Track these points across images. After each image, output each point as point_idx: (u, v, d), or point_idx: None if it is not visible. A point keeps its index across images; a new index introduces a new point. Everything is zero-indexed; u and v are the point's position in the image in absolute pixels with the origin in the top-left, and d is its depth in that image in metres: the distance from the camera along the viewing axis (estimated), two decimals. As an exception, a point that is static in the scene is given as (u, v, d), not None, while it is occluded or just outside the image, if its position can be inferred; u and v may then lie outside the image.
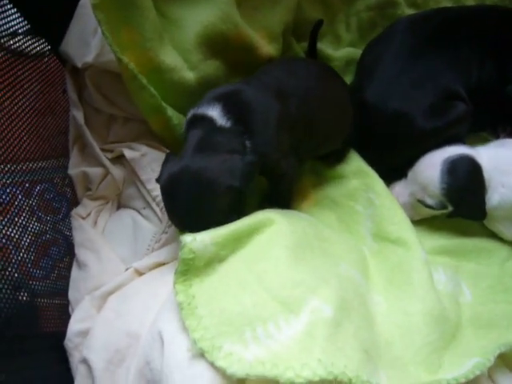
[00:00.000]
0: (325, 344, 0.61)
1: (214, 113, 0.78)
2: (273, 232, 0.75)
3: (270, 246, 0.73)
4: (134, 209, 1.01)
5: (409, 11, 1.21)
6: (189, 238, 0.66)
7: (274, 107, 0.82)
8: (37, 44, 0.98)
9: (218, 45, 0.97)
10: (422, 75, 0.97)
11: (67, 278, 0.94)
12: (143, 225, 0.97)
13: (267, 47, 1.04)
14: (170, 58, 0.90)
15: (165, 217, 0.94)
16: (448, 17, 1.06)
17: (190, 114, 0.82)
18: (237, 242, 0.72)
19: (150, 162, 0.99)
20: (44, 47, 1.01)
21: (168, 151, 0.99)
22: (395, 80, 0.98)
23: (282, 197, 0.96)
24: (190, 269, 0.66)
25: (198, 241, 0.67)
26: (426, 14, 1.11)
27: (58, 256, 0.95)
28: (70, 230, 0.99)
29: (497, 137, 1.10)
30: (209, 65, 0.97)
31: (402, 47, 1.01)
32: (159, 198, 0.95)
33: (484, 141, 1.08)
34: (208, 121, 0.78)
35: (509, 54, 1.01)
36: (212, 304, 0.64)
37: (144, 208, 0.99)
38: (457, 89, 0.99)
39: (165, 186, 0.75)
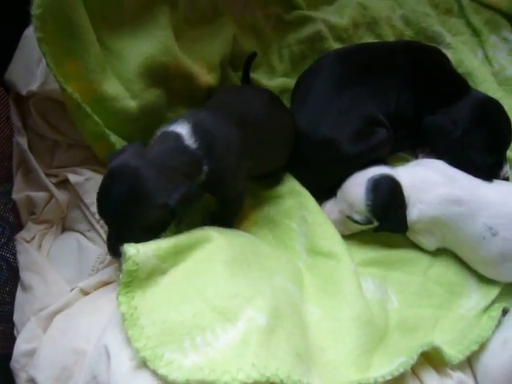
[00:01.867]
0: (258, 349, 0.66)
1: (183, 131, 0.83)
2: (211, 248, 0.80)
3: (209, 261, 0.78)
4: (78, 231, 1.02)
5: (335, 45, 1.31)
6: (133, 251, 0.69)
7: (235, 135, 0.88)
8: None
9: (159, 75, 1.01)
10: (347, 104, 1.06)
11: (10, 303, 0.93)
12: (88, 247, 0.98)
13: (206, 77, 1.10)
14: (112, 87, 0.93)
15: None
16: (370, 52, 1.17)
17: (159, 132, 0.86)
18: (177, 256, 0.76)
19: (93, 185, 1.00)
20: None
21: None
22: (324, 109, 1.07)
23: (230, 214, 1.02)
24: (133, 280, 0.69)
25: (141, 253, 0.70)
26: (351, 48, 1.22)
27: (1, 281, 0.94)
28: (13, 255, 0.99)
29: (416, 157, 1.21)
30: (150, 93, 1.01)
31: (330, 79, 1.10)
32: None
33: (404, 161, 1.19)
34: (176, 137, 0.82)
35: (423, 85, 1.12)
36: (154, 315, 0.67)
37: (88, 230, 1.01)
38: (378, 116, 1.09)
39: (112, 168, 0.77)
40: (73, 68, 0.88)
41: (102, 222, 0.98)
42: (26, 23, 1.01)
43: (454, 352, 0.92)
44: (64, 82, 0.86)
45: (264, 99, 1.05)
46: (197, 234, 0.81)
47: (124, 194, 0.74)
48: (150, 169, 0.76)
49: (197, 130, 0.83)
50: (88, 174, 1.03)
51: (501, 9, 1.40)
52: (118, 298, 0.69)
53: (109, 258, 0.94)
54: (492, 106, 1.12)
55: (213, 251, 0.79)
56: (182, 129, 0.83)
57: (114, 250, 0.79)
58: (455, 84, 1.17)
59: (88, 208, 1.00)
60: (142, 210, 0.75)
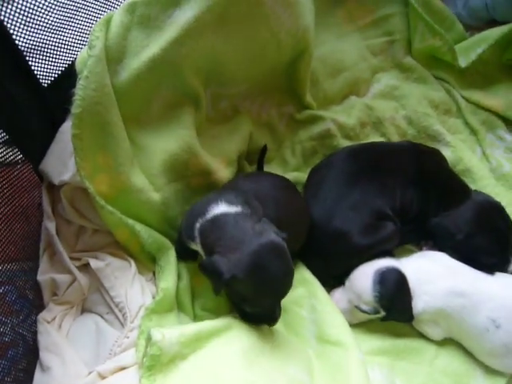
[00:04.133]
0: None
1: (237, 208, 0.91)
2: (230, 336, 0.84)
3: (227, 349, 0.81)
4: (97, 313, 1.05)
5: (343, 142, 1.40)
6: (158, 336, 0.74)
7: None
8: (9, 152, 1.01)
9: (180, 171, 1.10)
10: (358, 200, 1.13)
11: (23, 381, 0.94)
12: (106, 329, 1.01)
13: (224, 171, 1.18)
14: (139, 180, 1.01)
15: (127, 322, 1.00)
16: (377, 151, 1.26)
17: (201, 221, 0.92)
18: (198, 343, 0.80)
19: (113, 270, 1.06)
20: (16, 156, 1.04)
21: (130, 259, 1.09)
22: (336, 202, 1.14)
23: None
24: (155, 364, 0.73)
25: (166, 339, 0.74)
26: (360, 147, 1.30)
27: (16, 358, 0.94)
28: (30, 332, 1.00)
29: (420, 249, 1.25)
30: (171, 187, 1.09)
31: (342, 175, 1.18)
32: (121, 304, 1.02)
33: (409, 252, 1.24)
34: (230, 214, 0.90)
35: (425, 186, 1.19)
36: (174, 399, 0.70)
37: (107, 313, 1.04)
38: (387, 211, 1.15)
39: (255, 262, 0.82)
40: (103, 160, 0.96)
41: (120, 305, 1.02)
42: (62, 120, 1.11)
43: None
44: (85, 176, 0.94)
45: (278, 183, 1.12)
46: (217, 323, 0.85)
47: (282, 261, 0.85)
48: (262, 237, 0.85)
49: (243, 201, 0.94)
50: (108, 259, 1.08)
51: (496, 111, 1.49)
52: (140, 381, 0.72)
53: (126, 341, 0.97)
54: (492, 209, 1.17)
55: (231, 340, 0.83)
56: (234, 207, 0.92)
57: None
58: (456, 186, 1.23)
59: (107, 292, 1.04)
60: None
